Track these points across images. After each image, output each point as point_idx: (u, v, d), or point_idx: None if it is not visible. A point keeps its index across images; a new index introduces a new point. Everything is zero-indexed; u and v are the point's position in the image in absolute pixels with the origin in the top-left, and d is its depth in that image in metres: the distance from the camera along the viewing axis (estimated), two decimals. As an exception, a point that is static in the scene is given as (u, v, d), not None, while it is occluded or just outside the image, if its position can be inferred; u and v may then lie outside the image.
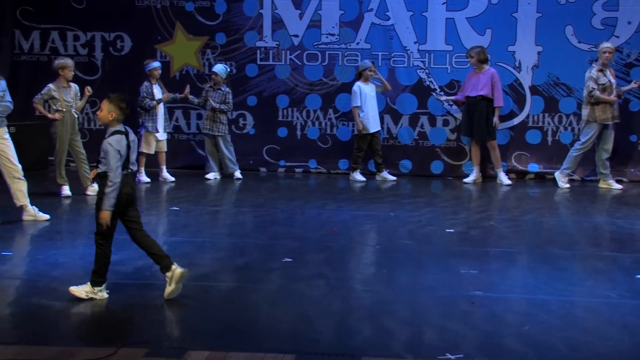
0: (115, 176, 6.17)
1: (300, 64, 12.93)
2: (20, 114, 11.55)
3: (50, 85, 10.51)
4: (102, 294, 6.29)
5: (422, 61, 12.73)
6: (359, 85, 12.23)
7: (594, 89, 11.46)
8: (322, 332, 5.63)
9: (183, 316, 5.98)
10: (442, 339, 5.50)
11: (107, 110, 6.23)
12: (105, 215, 6.20)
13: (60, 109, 10.44)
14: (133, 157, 6.42)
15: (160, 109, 11.92)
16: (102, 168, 6.27)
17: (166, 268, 6.29)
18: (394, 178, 12.50)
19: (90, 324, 5.81)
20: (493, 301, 6.37)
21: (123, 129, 6.33)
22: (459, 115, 12.66)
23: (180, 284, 6.27)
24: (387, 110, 12.86)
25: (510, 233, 9.01)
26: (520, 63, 12.55)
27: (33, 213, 9.06)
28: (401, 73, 12.79)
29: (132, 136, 6.41)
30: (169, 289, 6.25)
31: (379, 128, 12.51)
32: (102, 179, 6.27)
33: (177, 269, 6.26)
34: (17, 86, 12.77)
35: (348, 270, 7.45)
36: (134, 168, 6.45)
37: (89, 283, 6.29)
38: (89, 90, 10.71)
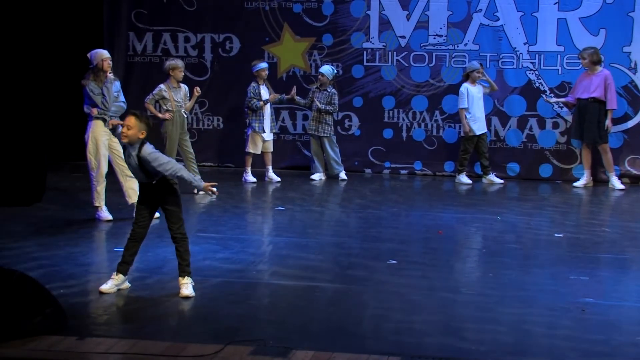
0: (172, 163, 6.34)
1: (406, 65, 12.85)
2: (132, 113, 11.84)
3: (161, 86, 10.75)
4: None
5: (531, 62, 12.45)
6: (466, 86, 12.07)
7: None
8: (427, 335, 5.58)
9: (288, 315, 6.00)
10: (551, 347, 5.37)
11: (137, 129, 6.31)
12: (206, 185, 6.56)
13: (170, 109, 10.67)
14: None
15: (267, 110, 12.03)
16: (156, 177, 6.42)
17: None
18: (501, 181, 12.27)
19: (198, 320, 5.90)
20: (605, 309, 6.17)
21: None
22: (570, 118, 12.34)
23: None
24: (495, 112, 12.64)
25: (623, 239, 8.71)
26: (636, 64, 12.13)
27: (144, 210, 9.27)
28: (510, 74, 12.55)
29: None
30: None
31: (486, 130, 12.31)
32: (164, 183, 6.45)
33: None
34: (130, 86, 13.11)
35: (453, 273, 7.36)
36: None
37: (185, 277, 6.45)
38: (198, 90, 10.92)
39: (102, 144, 9.01)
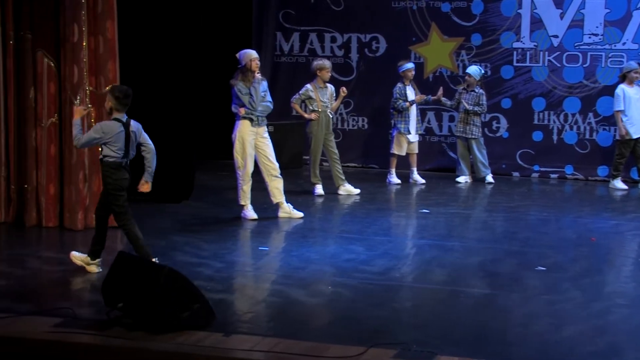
0: (79, 140, 6.73)
1: (559, 65, 12.44)
2: (278, 113, 11.99)
3: (308, 86, 10.80)
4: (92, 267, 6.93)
5: (696, 62, 11.81)
6: (622, 88, 11.55)
7: None
8: (577, 346, 5.36)
9: (432, 320, 5.89)
10: None
11: (107, 100, 6.86)
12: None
13: (316, 109, 10.70)
14: (133, 147, 6.83)
15: (413, 111, 11.90)
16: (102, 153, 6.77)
17: (95, 256, 6.91)
18: (659, 187, 11.70)
19: (341, 321, 5.85)
20: None
21: (123, 119, 6.74)
22: None
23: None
24: (654, 115, 12.06)
25: None
26: None
27: (288, 210, 9.33)
28: (671, 75, 11.94)
29: (134, 127, 6.82)
30: (78, 258, 6.97)
31: (644, 133, 11.75)
32: (102, 165, 6.79)
33: (94, 267, 6.91)
34: (276, 86, 13.26)
35: (607, 282, 7.05)
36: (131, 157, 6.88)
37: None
38: (344, 91, 10.90)
39: (249, 143, 9.11)
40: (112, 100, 6.73)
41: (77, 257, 6.99)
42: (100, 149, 6.85)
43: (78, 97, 8.31)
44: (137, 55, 9.62)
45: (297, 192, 10.71)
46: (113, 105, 6.73)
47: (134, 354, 5.15)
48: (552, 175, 12.66)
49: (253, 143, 9.15)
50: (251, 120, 9.11)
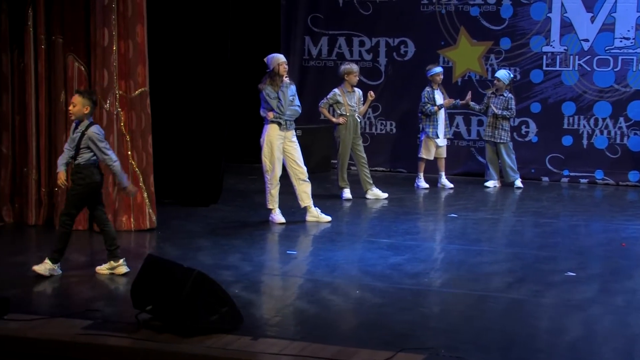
0: (112, 154, 6.85)
1: (589, 69, 12.34)
2: (306, 117, 11.98)
3: (336, 90, 10.79)
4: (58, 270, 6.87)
5: None
6: (654, 92, 11.46)
7: None
8: (608, 354, 5.29)
9: (461, 325, 5.84)
10: None
11: (81, 105, 6.73)
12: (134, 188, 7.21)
13: (344, 113, 10.69)
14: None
15: (441, 115, 11.85)
16: (81, 158, 6.75)
17: (115, 257, 6.91)
18: (692, 193, 11.57)
19: (369, 326, 5.84)
20: None
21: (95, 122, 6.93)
22: None
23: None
24: (687, 119, 11.95)
25: None
26: None
27: (316, 214, 9.33)
28: None
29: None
30: (104, 268, 6.94)
31: (676, 138, 11.64)
32: (80, 168, 6.77)
33: (122, 267, 6.90)
34: (304, 91, 13.27)
35: (638, 289, 6.93)
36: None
37: (48, 260, 6.80)
38: (372, 95, 10.89)
39: (277, 147, 9.12)
40: (91, 105, 6.80)
41: (102, 268, 6.99)
42: (77, 155, 6.79)
43: (108, 101, 8.38)
44: (166, 59, 9.67)
45: (325, 196, 10.70)
46: (91, 110, 6.81)
47: (162, 357, 5.17)
48: (582, 180, 12.55)
49: (281, 147, 9.16)
50: (279, 124, 9.12)
